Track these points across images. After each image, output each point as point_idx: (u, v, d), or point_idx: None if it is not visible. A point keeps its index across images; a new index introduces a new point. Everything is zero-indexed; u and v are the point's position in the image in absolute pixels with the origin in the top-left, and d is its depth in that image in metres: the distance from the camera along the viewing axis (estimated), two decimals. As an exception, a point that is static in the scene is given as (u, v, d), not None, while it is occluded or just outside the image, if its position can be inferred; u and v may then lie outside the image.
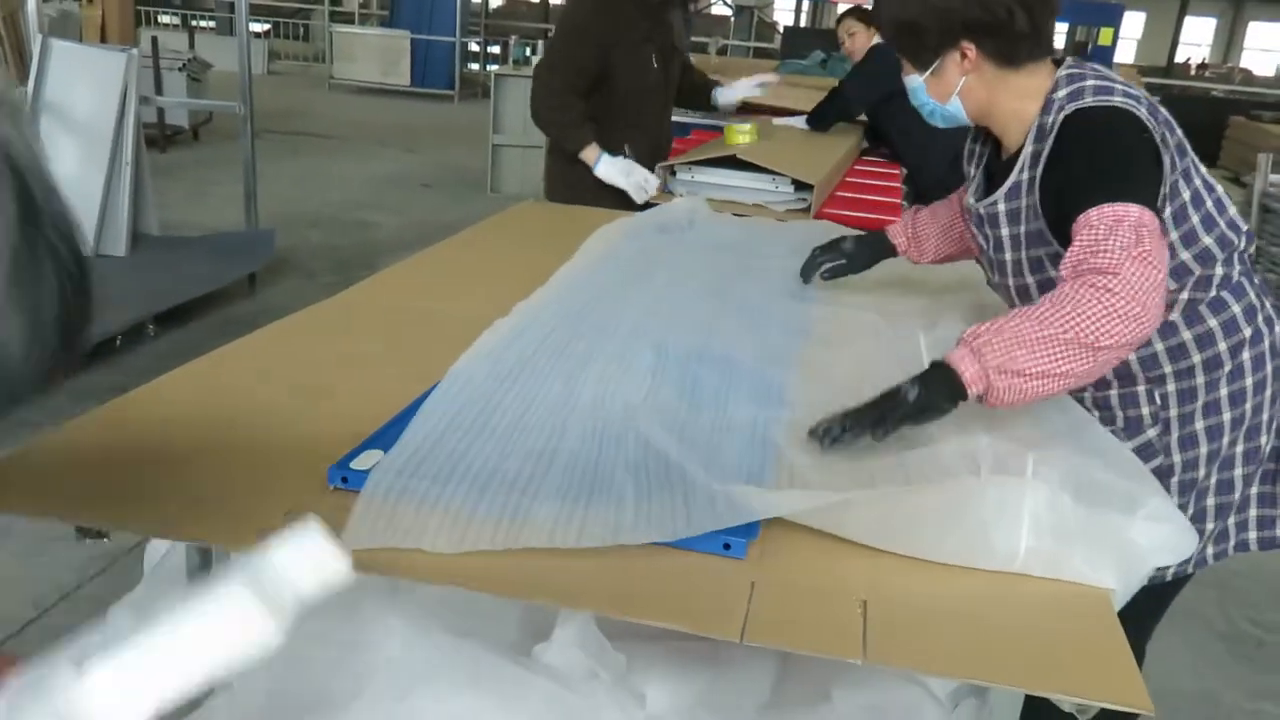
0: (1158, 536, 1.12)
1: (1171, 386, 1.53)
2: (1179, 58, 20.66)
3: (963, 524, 1.05)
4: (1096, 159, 1.38)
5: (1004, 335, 1.23)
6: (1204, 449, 1.54)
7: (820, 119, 4.06)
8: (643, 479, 1.15)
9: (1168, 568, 1.53)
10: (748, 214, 2.76)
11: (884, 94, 3.93)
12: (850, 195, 3.26)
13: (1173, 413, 1.54)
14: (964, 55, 1.49)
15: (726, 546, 1.04)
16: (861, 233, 1.97)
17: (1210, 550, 1.61)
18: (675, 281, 1.94)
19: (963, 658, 0.94)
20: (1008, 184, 1.52)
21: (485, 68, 13.64)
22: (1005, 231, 1.56)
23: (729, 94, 3.38)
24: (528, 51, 9.39)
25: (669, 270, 2.03)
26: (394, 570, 1.00)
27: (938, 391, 1.24)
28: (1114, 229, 1.26)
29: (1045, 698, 0.96)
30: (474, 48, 14.97)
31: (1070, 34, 10.12)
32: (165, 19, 15.46)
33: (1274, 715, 2.38)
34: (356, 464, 1.12)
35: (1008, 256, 1.57)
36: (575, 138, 2.87)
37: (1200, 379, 1.52)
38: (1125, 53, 24.85)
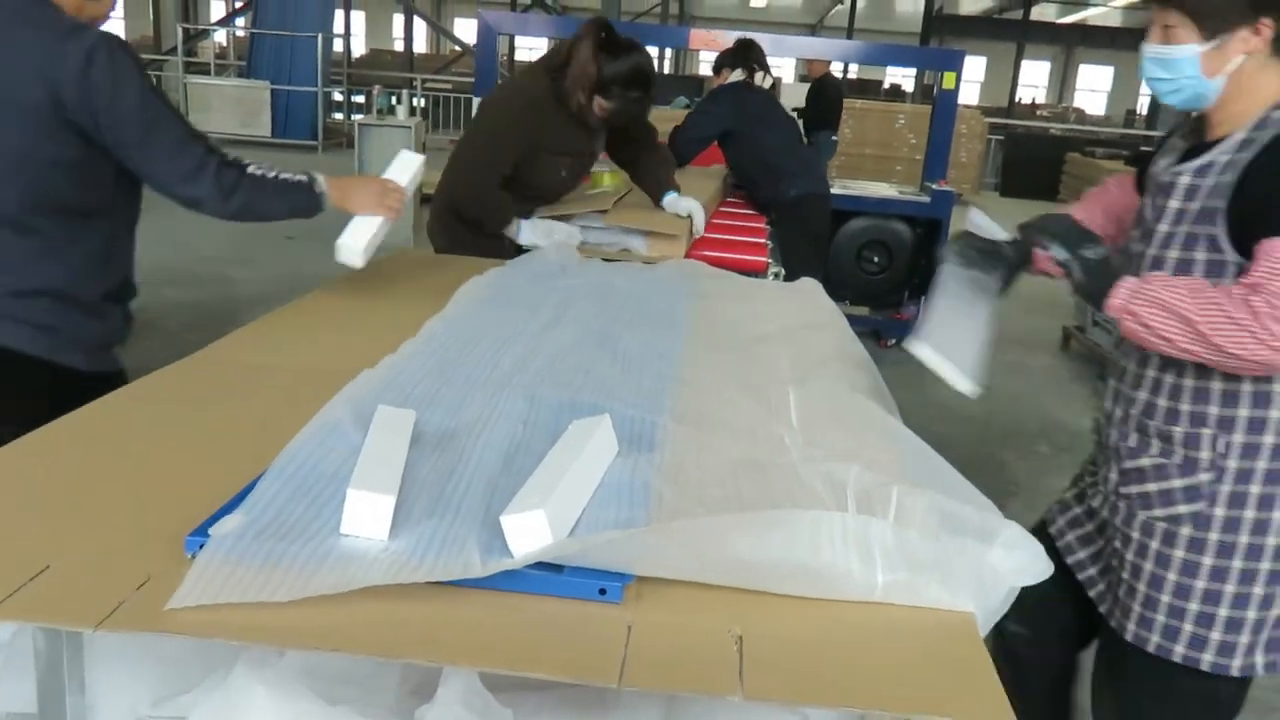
0: (1014, 561, 1.16)
1: (1239, 437, 1.52)
2: (1019, 98, 21.90)
3: (819, 562, 1.07)
4: None
5: (1165, 293, 1.41)
6: (1250, 513, 1.53)
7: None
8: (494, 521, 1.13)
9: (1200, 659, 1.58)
10: (616, 259, 2.79)
11: (720, 130, 4.23)
12: (718, 236, 3.33)
13: (1232, 464, 1.53)
14: (1257, 32, 1.48)
15: (602, 591, 1.04)
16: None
17: (1260, 659, 1.59)
18: (547, 329, 1.94)
19: (837, 686, 0.96)
20: (1202, 160, 1.53)
21: (349, 117, 13.45)
22: (1174, 204, 1.57)
23: (677, 205, 3.15)
24: (393, 100, 9.30)
25: (541, 318, 2.02)
26: (239, 634, 0.95)
27: (1098, 281, 1.47)
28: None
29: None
30: (337, 97, 14.76)
31: (918, 78, 10.63)
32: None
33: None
34: (215, 530, 1.08)
35: (1164, 227, 1.59)
36: (498, 220, 2.88)
37: (1271, 438, 1.51)
38: (969, 94, 26.23)
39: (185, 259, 6.39)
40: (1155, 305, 1.42)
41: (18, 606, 0.96)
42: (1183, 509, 1.56)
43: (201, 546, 1.06)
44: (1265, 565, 1.53)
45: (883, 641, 1.03)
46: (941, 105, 5.59)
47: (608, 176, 3.20)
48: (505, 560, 1.05)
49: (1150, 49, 1.54)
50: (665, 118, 5.44)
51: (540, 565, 1.05)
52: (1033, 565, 1.18)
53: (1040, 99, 28.35)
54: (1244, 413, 1.52)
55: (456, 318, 2.00)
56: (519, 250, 2.84)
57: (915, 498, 1.21)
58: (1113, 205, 1.90)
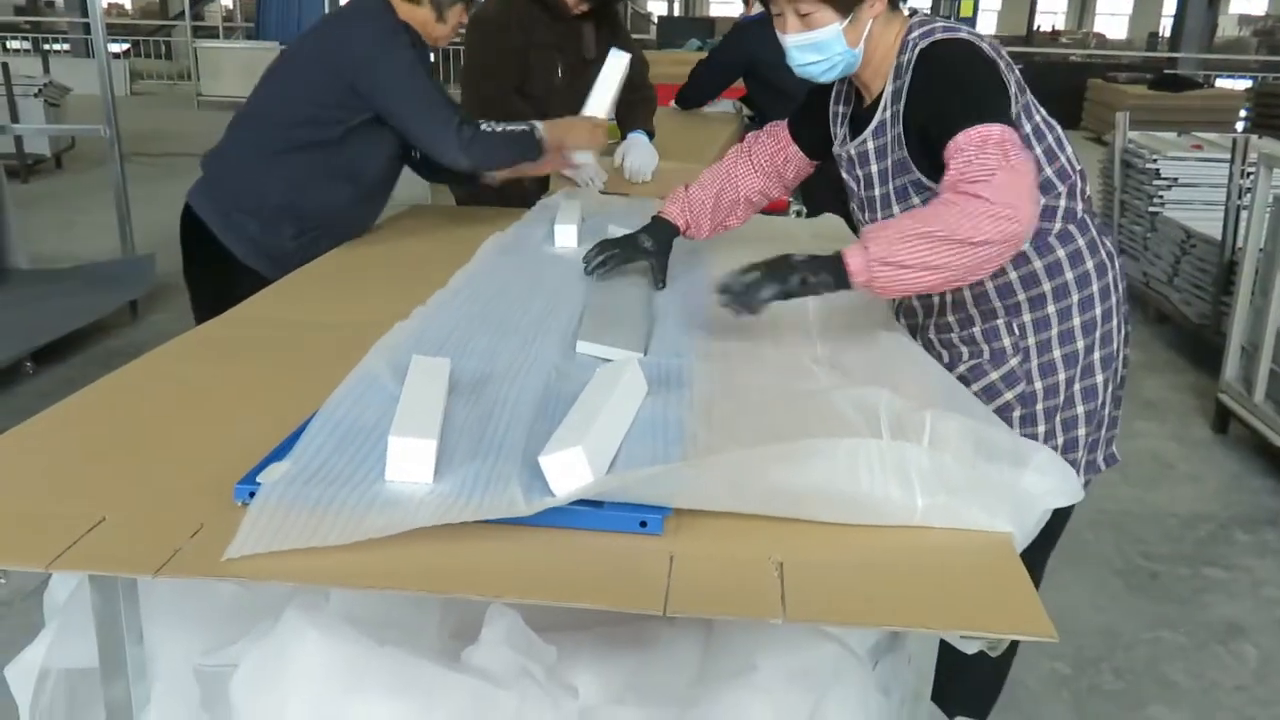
0: (1047, 484, 1.17)
1: (1027, 316, 1.65)
2: (1038, 25, 21.44)
3: (858, 489, 1.09)
4: (956, 87, 1.50)
5: (888, 231, 1.40)
6: (1063, 374, 1.65)
7: (685, 99, 4.17)
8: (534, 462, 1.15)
9: None
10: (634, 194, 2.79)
11: (746, 61, 4.06)
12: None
13: (1030, 340, 1.65)
14: None
15: (643, 524, 1.06)
16: (647, 224, 1.93)
17: (1083, 478, 1.70)
18: (571, 278, 1.95)
19: (879, 607, 0.97)
20: (874, 122, 1.64)
21: (360, 75, 13.35)
22: (874, 168, 1.67)
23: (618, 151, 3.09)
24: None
25: (566, 266, 2.03)
26: (293, 577, 0.98)
27: (826, 276, 1.43)
28: (982, 148, 1.39)
29: (957, 650, 1.01)
30: (347, 56, 14.64)
31: (935, 7, 10.44)
32: (14, 44, 14.75)
33: (1171, 641, 2.51)
34: (263, 478, 1.10)
35: (877, 191, 1.69)
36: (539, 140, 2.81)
37: (1051, 307, 1.64)
38: (986, 23, 25.72)
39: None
40: (894, 242, 1.39)
41: (79, 557, 0.99)
42: (1008, 395, 1.66)
43: (251, 495, 1.08)
44: (1080, 409, 1.66)
45: (923, 563, 1.04)
46: (959, 34, 5.48)
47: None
48: (548, 498, 1.07)
49: (794, 39, 1.59)
50: (677, 59, 5.38)
51: (581, 501, 1.07)
52: (1065, 487, 1.19)
53: (1059, 25, 27.76)
54: (1021, 296, 1.63)
55: (482, 269, 2.01)
56: (540, 197, 2.83)
57: (948, 423, 1.22)
58: (767, 159, 1.92)
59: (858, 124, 1.70)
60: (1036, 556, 1.75)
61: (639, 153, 3.01)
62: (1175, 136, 5.34)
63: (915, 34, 1.56)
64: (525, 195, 2.77)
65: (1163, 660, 2.44)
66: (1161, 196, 4.90)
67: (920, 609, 0.97)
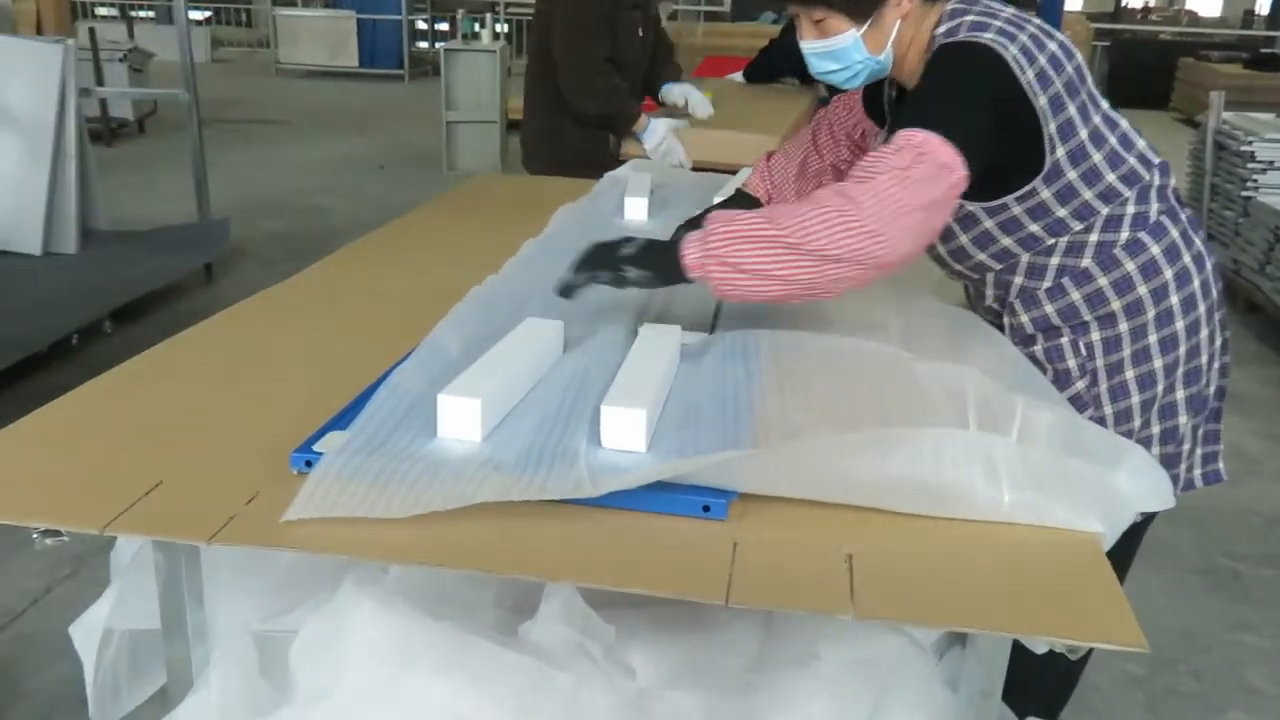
0: (1138, 487, 1.11)
1: (1095, 335, 1.49)
2: (1126, 2, 20.73)
3: (942, 480, 1.03)
4: (925, 89, 1.37)
5: (735, 225, 1.25)
6: (1136, 399, 1.50)
7: (755, 72, 4.10)
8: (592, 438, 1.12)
9: None
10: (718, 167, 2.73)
11: None
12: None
13: (1099, 363, 1.50)
14: None
15: (706, 509, 1.02)
16: (730, 198, 1.86)
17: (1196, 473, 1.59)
18: None
19: (954, 606, 0.92)
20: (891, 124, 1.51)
21: (434, 45, 13.41)
22: None
23: (671, 94, 3.25)
24: (476, 26, 9.23)
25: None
26: (348, 548, 0.96)
27: (659, 267, 1.30)
28: (898, 150, 1.24)
29: (1027, 648, 0.96)
30: (421, 25, 14.73)
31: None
32: (102, 11, 15.07)
33: (1254, 646, 2.41)
34: (320, 446, 1.09)
35: None
36: (623, 110, 2.90)
37: (1124, 326, 1.47)
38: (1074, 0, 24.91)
39: (278, 190, 6.50)
40: (735, 241, 1.24)
41: (135, 520, 0.98)
42: None
43: (307, 463, 1.06)
44: (1155, 429, 1.52)
45: (1004, 561, 0.99)
46: (1046, 11, 5.33)
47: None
48: (614, 478, 1.03)
49: (810, 46, 1.47)
50: (752, 32, 5.30)
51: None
52: (1157, 491, 1.12)
53: (1150, 2, 26.79)
54: (1088, 316, 1.47)
55: (554, 239, 1.97)
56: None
57: (1039, 413, 1.16)
58: (845, 130, 1.79)
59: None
60: (1120, 559, 1.68)
61: (692, 92, 3.21)
62: (1272, 118, 5.10)
63: (941, 29, 1.40)
64: (602, 168, 2.76)
65: (1244, 664, 2.34)
66: (1256, 180, 4.68)
67: (1000, 610, 0.91)
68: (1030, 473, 1.05)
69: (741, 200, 1.86)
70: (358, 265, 1.88)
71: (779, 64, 4.15)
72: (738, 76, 4.28)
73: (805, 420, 1.17)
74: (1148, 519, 1.63)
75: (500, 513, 0.99)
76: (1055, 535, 1.03)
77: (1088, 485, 1.07)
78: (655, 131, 2.94)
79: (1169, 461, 1.54)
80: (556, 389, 1.26)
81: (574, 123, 2.93)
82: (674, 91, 3.23)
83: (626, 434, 1.11)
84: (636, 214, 2.22)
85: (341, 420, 1.15)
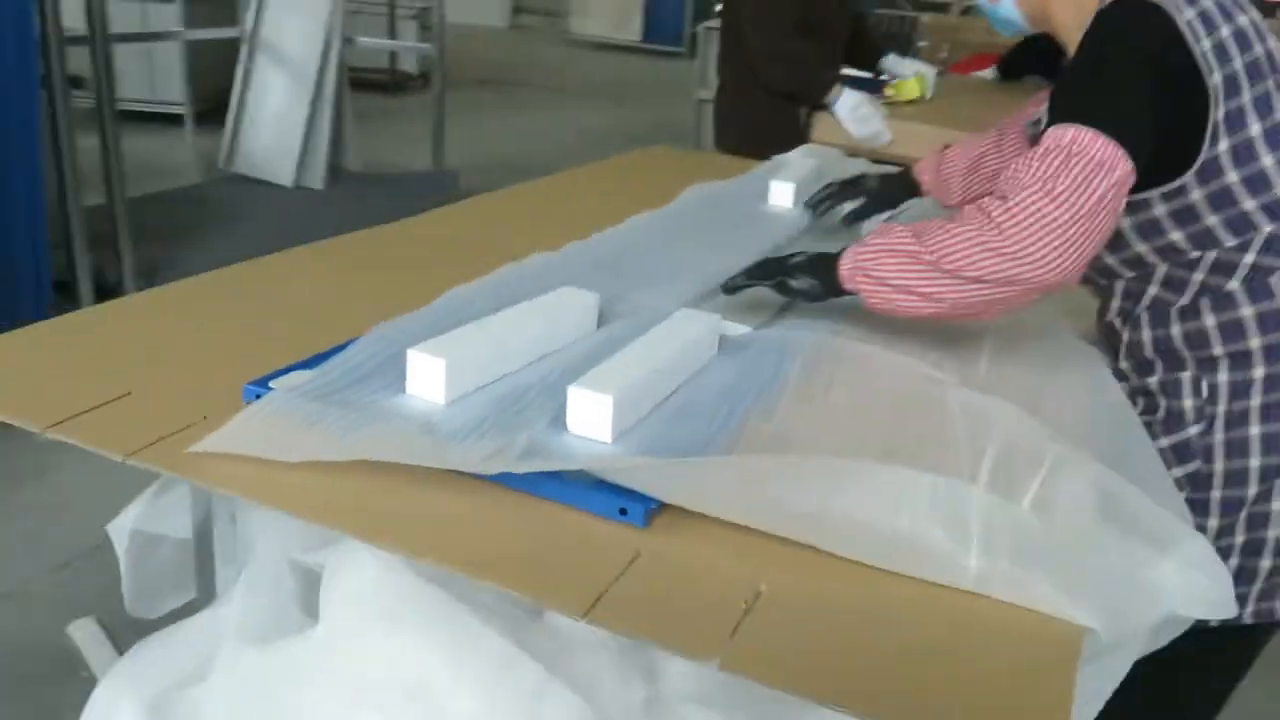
0: (1187, 584, 0.91)
1: (1224, 376, 1.25)
2: None
3: (895, 527, 0.87)
4: (1080, 67, 1.20)
5: (884, 239, 1.20)
6: (1256, 461, 1.23)
7: (1010, 67, 3.75)
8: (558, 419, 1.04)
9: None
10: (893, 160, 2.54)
11: None
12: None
13: (1220, 408, 1.25)
14: None
15: (623, 511, 0.91)
16: (889, 169, 1.81)
17: (1250, 608, 1.29)
18: (764, 238, 1.77)
19: (836, 680, 0.77)
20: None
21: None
22: None
23: (898, 66, 3.09)
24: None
25: (768, 226, 1.86)
26: (234, 486, 0.94)
27: (823, 277, 1.26)
28: (1044, 155, 1.10)
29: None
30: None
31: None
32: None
33: None
34: (278, 382, 1.07)
35: None
36: (811, 81, 2.76)
37: (1260, 370, 1.23)
38: None
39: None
40: (882, 253, 1.19)
41: (73, 427, 1.00)
42: (1176, 471, 1.27)
43: (257, 397, 1.05)
44: (1278, 505, 1.25)
45: (939, 639, 0.82)
46: None
47: (904, 88, 2.96)
48: (540, 461, 0.94)
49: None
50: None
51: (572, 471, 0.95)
52: (1212, 596, 0.91)
53: None
54: (1219, 350, 1.25)
55: (667, 215, 1.89)
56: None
57: (1077, 468, 0.97)
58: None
59: None
60: (1224, 672, 1.40)
61: (915, 65, 3.05)
62: None
63: None
64: (792, 146, 2.64)
65: None
66: None
67: (888, 699, 0.75)
68: (1015, 538, 0.87)
69: (900, 178, 1.78)
70: (465, 221, 1.88)
71: (1028, 60, 3.80)
72: (987, 73, 3.97)
73: (798, 434, 1.03)
74: (1265, 631, 1.36)
75: (415, 479, 0.94)
76: (1026, 620, 0.84)
77: (1104, 567, 0.88)
78: (848, 99, 2.73)
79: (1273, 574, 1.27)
80: (559, 362, 1.18)
81: (761, 96, 2.79)
82: (897, 64, 3.03)
83: (593, 421, 1.03)
84: (781, 199, 2.08)
85: (317, 361, 1.13)
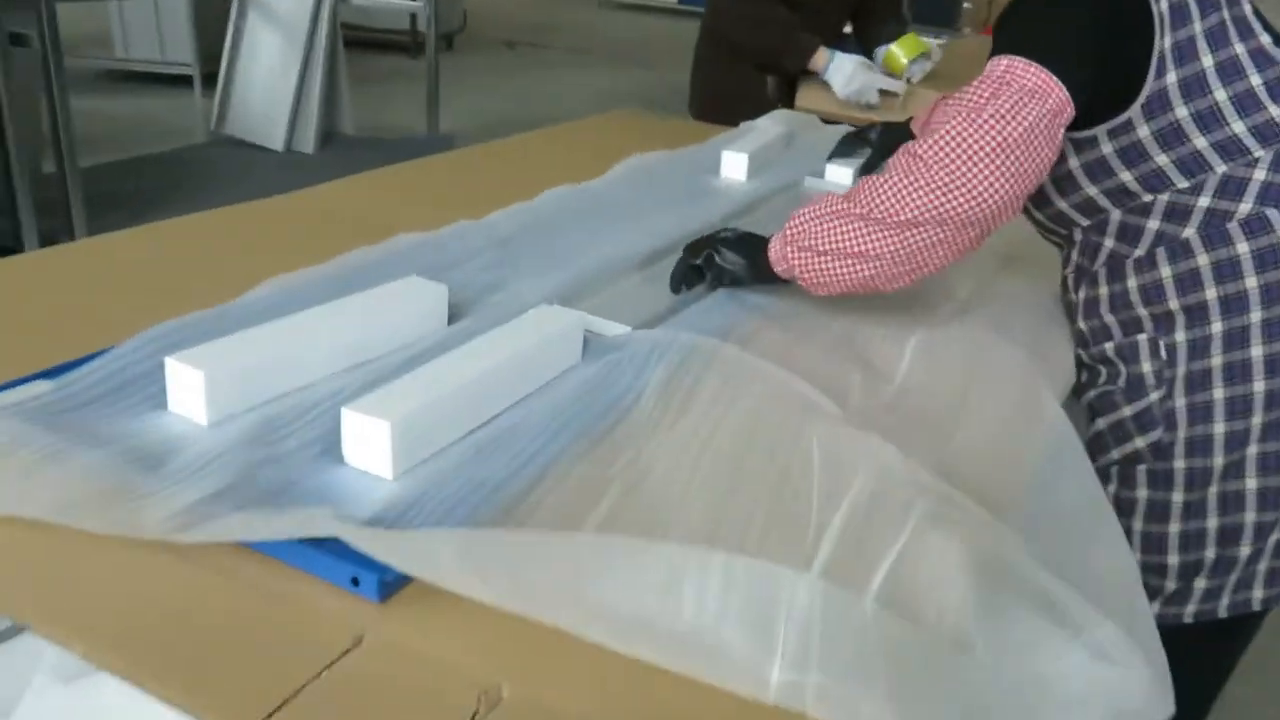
0: (1098, 682, 0.70)
1: (1181, 336, 1.15)
2: None
3: (675, 622, 0.66)
4: (1018, 2, 1.14)
5: (811, 207, 1.13)
6: (1221, 428, 1.12)
7: None
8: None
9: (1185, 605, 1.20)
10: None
11: None
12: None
13: (1180, 370, 1.14)
14: None
15: (355, 581, 0.72)
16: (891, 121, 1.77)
17: (1259, 593, 1.19)
18: (695, 217, 1.55)
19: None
20: None
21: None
22: None
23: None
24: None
25: (709, 202, 1.65)
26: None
27: (745, 254, 1.20)
28: (978, 86, 1.05)
29: None
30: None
31: None
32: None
33: None
34: (7, 395, 0.89)
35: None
36: (792, 46, 2.44)
37: (1217, 326, 1.13)
38: None
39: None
40: (810, 220, 1.13)
41: None
42: (1139, 442, 1.19)
43: (-25, 414, 0.87)
44: (1252, 483, 1.14)
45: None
46: None
47: (904, 52, 2.65)
48: (238, 524, 0.74)
49: None
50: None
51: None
52: (1136, 700, 0.70)
53: None
54: (1174, 303, 1.16)
55: (595, 189, 1.68)
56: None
57: (952, 532, 0.76)
58: None
59: None
60: (1191, 682, 1.22)
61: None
62: None
63: None
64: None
65: None
66: None
67: None
68: (843, 642, 0.66)
69: (903, 133, 1.71)
70: (370, 191, 1.69)
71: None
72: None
73: (614, 477, 0.83)
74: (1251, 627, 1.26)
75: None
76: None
77: (971, 675, 0.67)
78: (842, 68, 2.43)
79: (1251, 560, 1.16)
80: (375, 371, 0.99)
81: (724, 62, 2.54)
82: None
83: (371, 452, 0.84)
84: (734, 172, 1.86)
85: (71, 368, 0.95)
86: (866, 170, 1.81)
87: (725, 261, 1.22)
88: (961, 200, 1.01)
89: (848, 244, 1.09)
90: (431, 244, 1.32)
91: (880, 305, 1.27)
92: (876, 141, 1.80)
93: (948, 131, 1.02)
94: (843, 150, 1.86)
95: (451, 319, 1.14)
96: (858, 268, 1.10)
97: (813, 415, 0.91)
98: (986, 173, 1.00)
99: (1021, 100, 1.02)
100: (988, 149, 1.00)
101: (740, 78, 2.50)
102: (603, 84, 7.73)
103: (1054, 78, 1.03)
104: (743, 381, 0.98)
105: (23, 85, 2.81)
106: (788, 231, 1.15)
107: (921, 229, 1.04)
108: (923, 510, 0.77)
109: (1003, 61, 1.06)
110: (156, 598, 0.70)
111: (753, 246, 1.22)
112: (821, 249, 1.11)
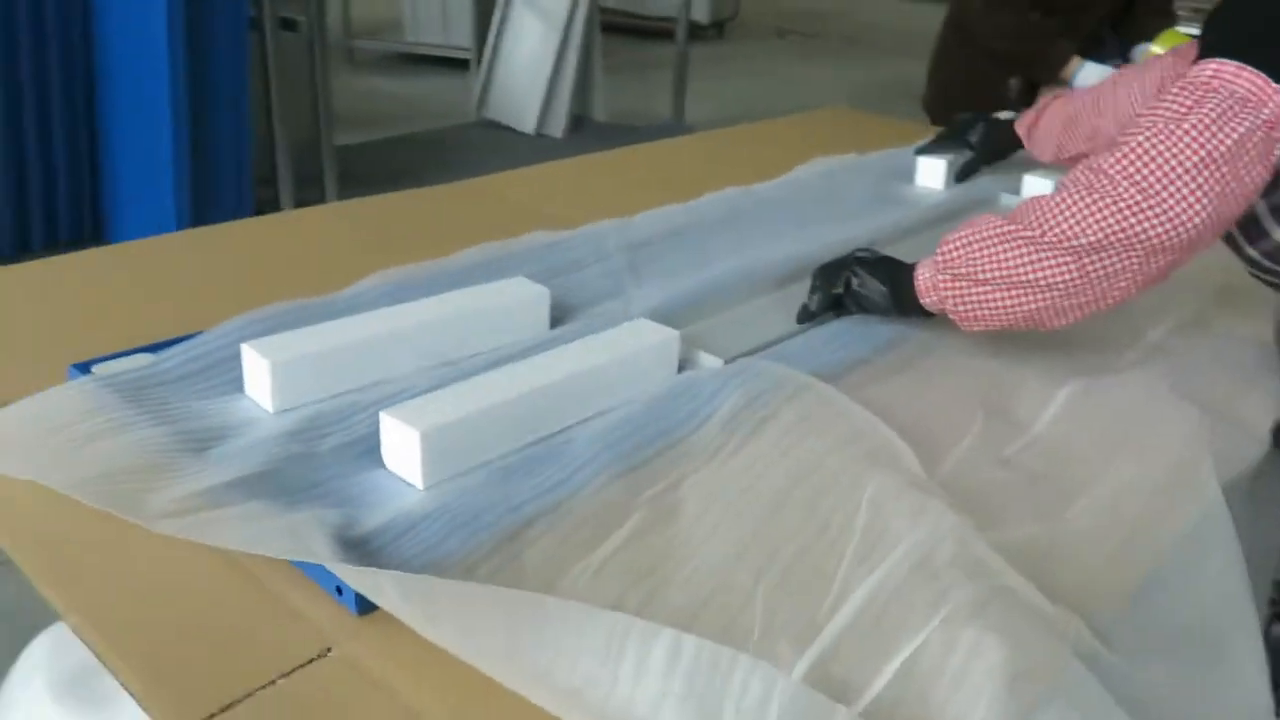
0: None
1: None
2: None
3: (609, 701, 0.59)
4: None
5: (968, 229, 1.02)
6: None
7: None
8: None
9: None
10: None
11: None
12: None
13: None
14: None
15: (340, 590, 0.71)
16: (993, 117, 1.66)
17: None
18: (865, 228, 1.45)
19: None
20: None
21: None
22: None
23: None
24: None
25: (892, 212, 1.54)
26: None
27: (886, 279, 1.09)
28: (1177, 93, 0.91)
29: None
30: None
31: None
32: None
33: None
34: (106, 367, 0.95)
35: None
36: (1042, 53, 2.33)
37: None
38: None
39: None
40: (965, 245, 1.00)
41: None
42: None
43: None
44: None
45: None
46: None
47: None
48: (219, 526, 0.73)
49: None
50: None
51: (321, 524, 0.75)
52: None
53: None
54: None
55: (759, 193, 1.61)
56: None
57: (1013, 616, 0.66)
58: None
59: None
60: None
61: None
62: None
63: None
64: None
65: None
66: None
67: None
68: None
69: (1003, 130, 1.64)
70: (541, 181, 1.70)
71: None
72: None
73: (615, 512, 0.78)
74: None
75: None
76: None
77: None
78: (1089, 77, 2.27)
79: None
80: (449, 374, 0.98)
81: (967, 58, 2.39)
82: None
83: (404, 459, 0.83)
84: (930, 179, 1.73)
85: (181, 341, 1.00)
86: (966, 173, 1.71)
87: (863, 289, 1.12)
88: (1154, 222, 0.89)
89: (1014, 271, 0.97)
90: (562, 244, 1.30)
91: (1041, 346, 1.13)
92: (978, 144, 1.69)
93: (1140, 144, 0.90)
94: (933, 148, 1.74)
95: (556, 323, 1.12)
96: (1024, 299, 0.98)
97: (879, 467, 0.81)
98: (1185, 191, 0.88)
99: (1230, 109, 0.89)
100: (1188, 164, 0.88)
101: (982, 78, 2.37)
102: (868, 75, 7.49)
103: (1271, 83, 0.90)
104: (820, 421, 0.89)
105: (290, 67, 3.07)
106: (940, 257, 1.04)
107: (1104, 255, 0.92)
108: (965, 596, 0.67)
109: (1210, 65, 0.92)
110: (149, 572, 0.73)
111: (895, 273, 1.11)
112: (981, 277, 0.99)
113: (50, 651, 1.05)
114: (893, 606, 0.67)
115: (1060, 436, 0.97)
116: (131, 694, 0.63)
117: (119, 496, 0.74)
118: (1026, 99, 2.39)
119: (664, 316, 1.07)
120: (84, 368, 0.94)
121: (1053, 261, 0.95)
